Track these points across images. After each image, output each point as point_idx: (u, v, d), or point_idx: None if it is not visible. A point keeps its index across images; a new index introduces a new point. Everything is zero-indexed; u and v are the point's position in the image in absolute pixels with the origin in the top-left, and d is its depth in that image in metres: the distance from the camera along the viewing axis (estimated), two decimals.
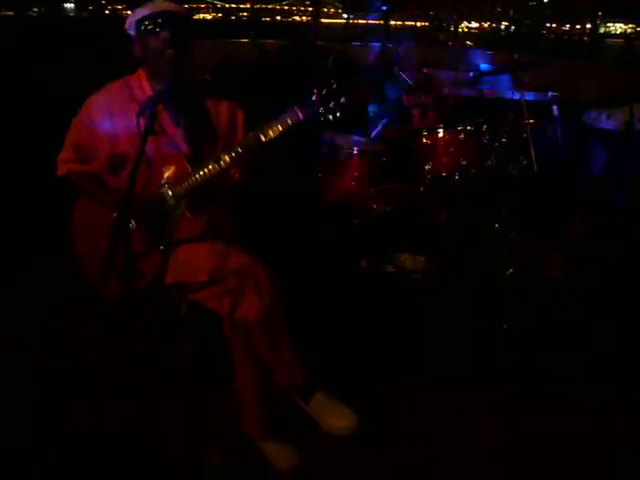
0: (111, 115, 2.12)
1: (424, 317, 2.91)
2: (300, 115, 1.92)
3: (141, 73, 2.16)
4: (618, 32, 19.99)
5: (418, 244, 3.14)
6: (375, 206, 3.18)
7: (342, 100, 1.90)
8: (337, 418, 2.18)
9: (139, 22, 2.08)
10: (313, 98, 1.91)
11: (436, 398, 2.43)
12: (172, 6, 2.07)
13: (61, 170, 2.24)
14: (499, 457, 2.18)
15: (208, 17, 25.43)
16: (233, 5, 25.08)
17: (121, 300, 2.03)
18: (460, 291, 3.05)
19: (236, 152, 1.99)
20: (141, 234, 2.06)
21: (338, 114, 1.92)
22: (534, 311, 2.96)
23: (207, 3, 26.01)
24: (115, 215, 2.06)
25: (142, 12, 2.07)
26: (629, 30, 20.35)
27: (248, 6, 24.68)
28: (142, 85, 2.14)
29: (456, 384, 2.50)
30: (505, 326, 2.87)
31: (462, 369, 2.60)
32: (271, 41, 8.62)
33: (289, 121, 1.94)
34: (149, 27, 2.05)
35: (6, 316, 2.84)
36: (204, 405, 2.33)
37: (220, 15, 26.10)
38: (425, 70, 3.72)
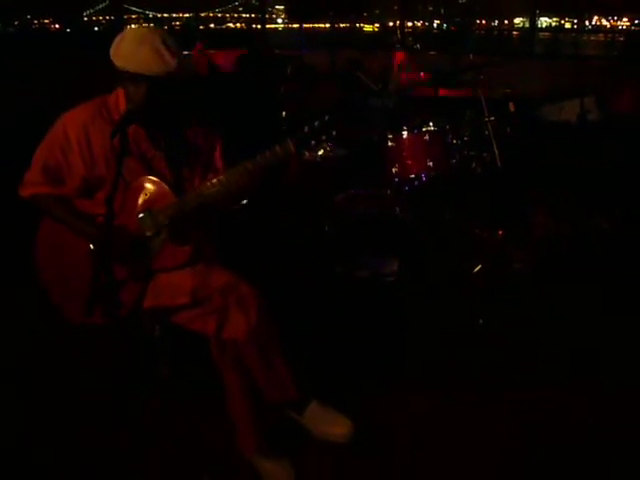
0: (87, 133, 1.98)
1: (401, 318, 2.93)
2: (292, 148, 1.88)
3: (119, 92, 2.01)
4: (543, 26, 20.68)
5: (390, 247, 3.16)
6: (344, 212, 3.18)
7: (333, 134, 1.88)
8: (333, 426, 2.19)
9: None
10: (305, 130, 1.88)
11: (420, 398, 2.44)
12: (168, 66, 1.86)
13: (27, 192, 2.07)
14: (488, 455, 2.19)
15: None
16: (165, 15, 24.62)
17: (101, 328, 1.96)
18: (434, 290, 3.08)
19: (223, 182, 1.92)
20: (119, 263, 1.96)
21: (328, 148, 1.90)
22: (506, 305, 3.00)
23: (137, 14, 25.42)
24: (91, 245, 1.97)
25: (133, 59, 1.86)
26: (554, 23, 21.15)
27: (181, 15, 24.36)
28: (119, 105, 2.00)
29: (438, 382, 2.52)
30: (481, 321, 2.91)
31: (443, 367, 2.61)
32: (212, 51, 8.48)
33: (280, 153, 1.89)
34: (130, 75, 1.88)
35: None
36: (194, 426, 2.27)
37: (152, 26, 25.48)
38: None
